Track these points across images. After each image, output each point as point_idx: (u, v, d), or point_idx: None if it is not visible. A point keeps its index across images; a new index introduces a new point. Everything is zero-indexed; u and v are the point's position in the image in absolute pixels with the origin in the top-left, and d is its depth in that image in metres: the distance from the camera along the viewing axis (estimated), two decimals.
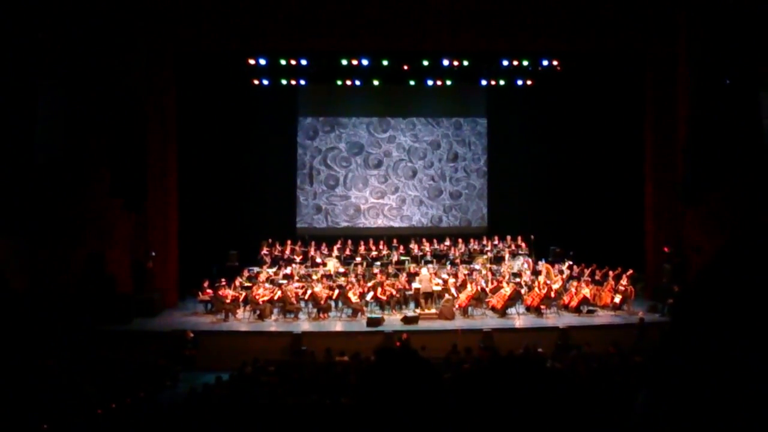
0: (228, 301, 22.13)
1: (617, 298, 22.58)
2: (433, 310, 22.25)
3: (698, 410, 1.17)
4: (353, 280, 23.39)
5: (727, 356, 1.14)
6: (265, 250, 26.06)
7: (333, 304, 22.45)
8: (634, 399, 1.43)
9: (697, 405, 1.17)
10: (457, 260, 25.68)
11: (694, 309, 1.23)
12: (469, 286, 22.73)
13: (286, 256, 25.87)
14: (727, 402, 1.13)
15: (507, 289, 22.47)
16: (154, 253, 23.79)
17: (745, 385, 1.12)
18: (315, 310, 22.25)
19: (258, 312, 22.01)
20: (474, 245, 26.99)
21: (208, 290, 22.93)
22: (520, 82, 29.18)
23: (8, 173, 19.28)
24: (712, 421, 1.14)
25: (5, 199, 19.22)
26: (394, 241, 26.87)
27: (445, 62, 26.60)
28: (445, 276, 23.67)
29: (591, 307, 22.75)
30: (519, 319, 22.12)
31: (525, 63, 27.10)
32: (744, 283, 1.16)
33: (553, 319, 22.09)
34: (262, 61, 26.10)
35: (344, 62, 26.56)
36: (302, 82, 28.73)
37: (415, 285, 23.02)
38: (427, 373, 2.17)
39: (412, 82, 29.01)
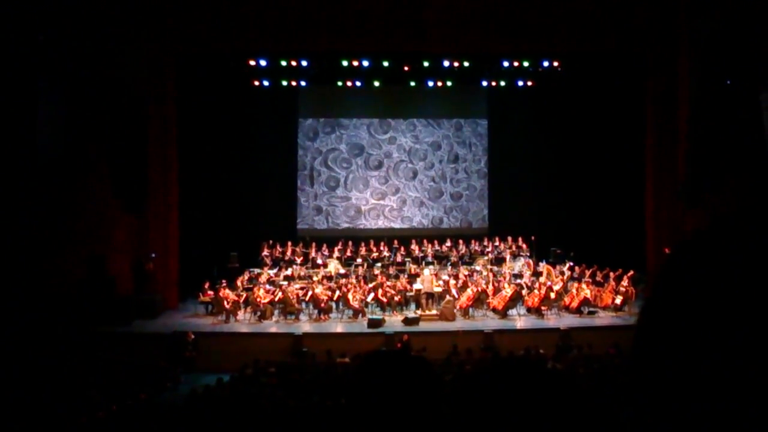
0: (229, 302, 22.11)
1: (618, 299, 22.57)
2: (434, 312, 22.26)
3: (679, 415, 1.15)
4: (354, 281, 23.41)
5: (697, 359, 1.13)
6: (265, 252, 26.05)
7: (334, 305, 22.45)
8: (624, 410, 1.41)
9: (677, 410, 1.15)
10: (458, 261, 25.68)
11: (657, 312, 1.21)
12: (470, 287, 22.73)
13: (286, 258, 25.86)
14: (705, 404, 1.11)
15: (508, 291, 22.46)
16: (154, 255, 23.78)
17: (721, 387, 1.10)
18: (316, 312, 22.24)
19: (259, 313, 22.01)
20: (475, 246, 26.98)
21: (209, 292, 22.90)
22: (520, 83, 29.21)
23: (9, 175, 19.29)
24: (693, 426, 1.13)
25: (6, 201, 19.22)
26: (395, 242, 26.85)
27: (446, 63, 26.60)
28: (445, 277, 23.64)
29: (592, 308, 22.74)
30: (520, 320, 22.12)
31: (526, 64, 27.10)
32: (706, 281, 1.13)
33: (553, 320, 22.09)
34: (263, 62, 26.12)
35: (345, 63, 26.57)
36: (303, 83, 28.77)
37: (416, 286, 23.01)
38: (424, 373, 2.16)
39: (412, 83, 29.04)
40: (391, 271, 24.59)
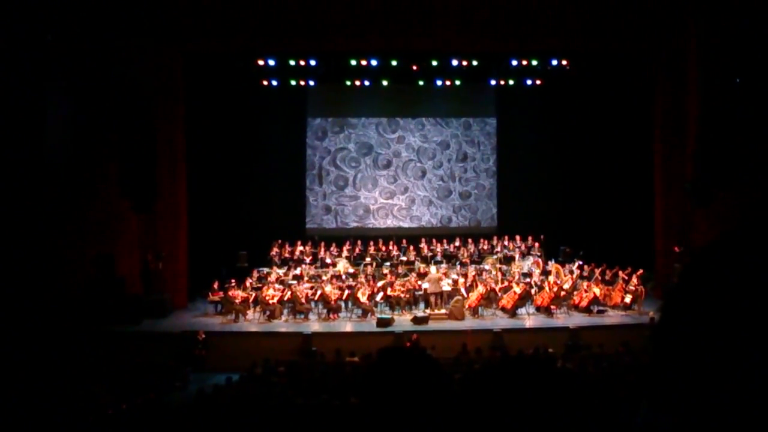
0: (238, 301, 22.14)
1: (627, 298, 22.51)
2: (443, 311, 22.23)
3: (696, 419, 1.14)
4: (363, 280, 23.39)
5: (720, 361, 1.12)
6: (274, 251, 26.07)
7: (343, 304, 22.45)
8: (637, 411, 1.40)
9: (695, 414, 1.14)
10: (467, 260, 25.64)
11: (680, 313, 1.20)
12: (479, 286, 22.70)
13: (295, 257, 25.88)
14: (725, 409, 1.10)
15: (517, 290, 22.42)
16: (163, 254, 23.81)
17: (740, 390, 1.09)
18: (325, 311, 22.26)
19: (268, 313, 22.03)
20: (484, 245, 26.93)
21: (218, 291, 22.95)
22: (529, 82, 29.16)
23: (18, 174, 19.34)
24: (711, 426, 1.12)
25: (15, 201, 19.28)
26: (404, 241, 26.84)
27: (454, 62, 26.59)
28: (455, 276, 23.63)
29: (601, 307, 22.70)
30: (529, 319, 22.08)
31: (534, 63, 27.06)
32: (734, 282, 1.13)
33: (563, 319, 22.05)
34: (271, 62, 26.13)
35: (353, 62, 26.58)
36: (311, 83, 28.77)
37: (424, 285, 22.99)
38: (433, 371, 2.15)
39: (421, 83, 29.03)
40: (400, 270, 24.59)
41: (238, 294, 22.39)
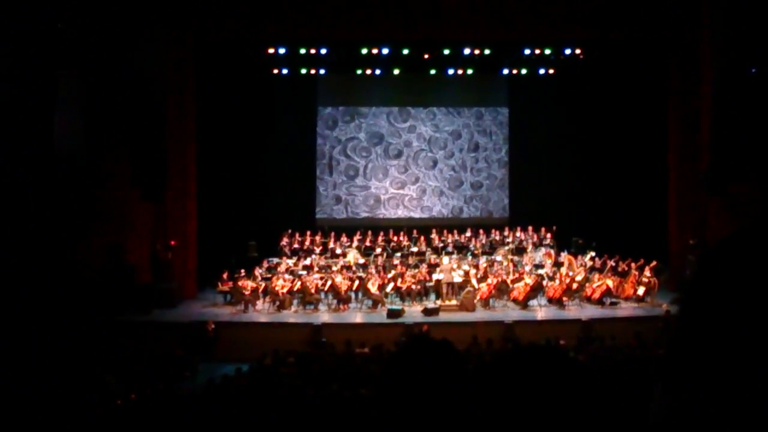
0: (247, 292, 22.16)
1: (641, 290, 22.43)
2: (454, 302, 22.19)
3: (711, 406, 1.14)
4: (373, 271, 23.36)
5: (737, 348, 1.10)
6: (284, 241, 26.06)
7: (353, 295, 22.44)
8: (652, 395, 1.39)
9: (710, 400, 1.14)
10: (478, 251, 25.57)
11: (700, 300, 1.19)
12: (490, 277, 22.64)
13: (305, 247, 25.86)
14: (739, 397, 1.10)
15: (529, 281, 22.37)
16: (173, 244, 23.82)
17: (756, 380, 1.08)
18: (335, 302, 22.24)
19: (277, 303, 22.02)
20: (495, 236, 26.83)
21: (228, 281, 22.97)
22: (542, 71, 29.02)
23: (28, 163, 19.33)
24: (725, 416, 1.12)
25: (25, 189, 19.27)
26: (415, 231, 26.77)
27: (466, 51, 26.50)
28: (466, 267, 23.55)
29: (614, 299, 22.60)
30: (541, 310, 22.02)
31: (547, 52, 26.95)
32: (752, 273, 1.11)
33: (575, 311, 21.99)
34: (282, 51, 26.09)
35: (364, 51, 26.49)
36: (322, 72, 28.71)
37: (435, 276, 22.95)
38: (455, 362, 2.14)
39: (432, 72, 28.93)
40: (411, 260, 24.54)
41: (247, 284, 22.43)
